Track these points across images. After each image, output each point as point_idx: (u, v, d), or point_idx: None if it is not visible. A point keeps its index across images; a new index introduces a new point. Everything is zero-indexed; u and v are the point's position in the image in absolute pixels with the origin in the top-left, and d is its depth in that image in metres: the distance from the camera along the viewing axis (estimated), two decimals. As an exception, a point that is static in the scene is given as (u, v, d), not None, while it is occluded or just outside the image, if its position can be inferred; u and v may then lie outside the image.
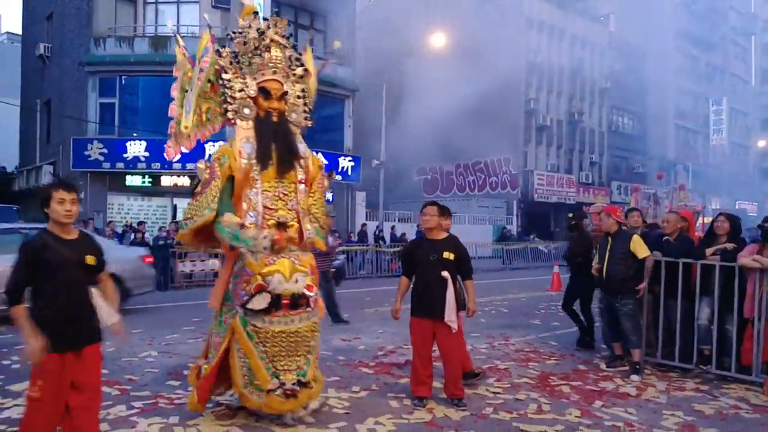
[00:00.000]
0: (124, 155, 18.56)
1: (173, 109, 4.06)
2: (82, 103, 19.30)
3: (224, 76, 3.92)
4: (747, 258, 5.41)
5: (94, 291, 3.20)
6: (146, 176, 19.10)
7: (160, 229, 15.29)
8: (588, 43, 32.90)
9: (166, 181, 19.29)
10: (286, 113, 4.02)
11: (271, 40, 3.92)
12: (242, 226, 3.61)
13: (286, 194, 3.81)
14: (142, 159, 18.54)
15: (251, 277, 3.69)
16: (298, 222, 3.80)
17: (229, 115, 3.92)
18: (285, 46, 4.00)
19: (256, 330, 3.67)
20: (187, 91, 4.02)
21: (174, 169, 18.69)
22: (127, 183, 19.18)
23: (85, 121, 19.04)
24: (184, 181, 19.40)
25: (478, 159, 28.64)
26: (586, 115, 32.50)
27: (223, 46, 3.97)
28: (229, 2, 19.39)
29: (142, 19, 19.79)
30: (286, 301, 3.67)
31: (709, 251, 5.86)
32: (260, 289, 3.63)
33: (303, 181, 3.92)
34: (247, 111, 3.89)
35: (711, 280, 5.71)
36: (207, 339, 3.99)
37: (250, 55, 3.93)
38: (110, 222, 16.64)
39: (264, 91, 3.91)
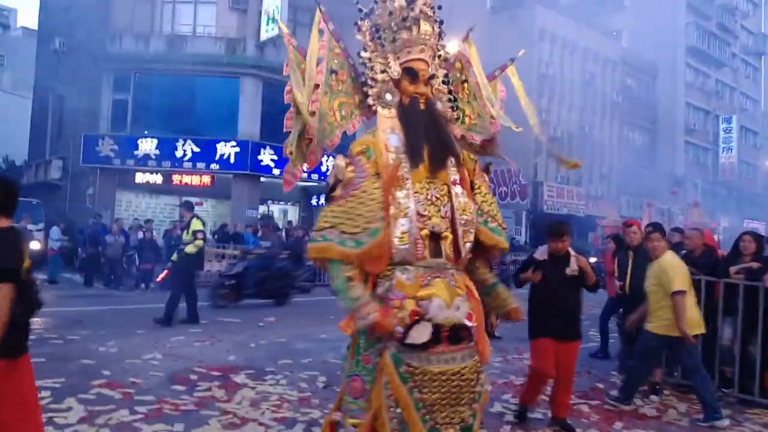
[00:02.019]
0: (135, 152, 18.58)
1: (289, 121, 3.13)
2: (95, 99, 19.34)
3: (363, 54, 3.10)
4: None
5: None
6: (156, 174, 19.07)
7: (172, 229, 15.23)
8: (600, 57, 32.85)
9: (176, 179, 19.28)
10: (432, 100, 3.14)
11: (420, 11, 3.04)
12: (351, 278, 2.77)
13: (438, 198, 2.93)
14: (153, 156, 18.56)
15: (403, 301, 2.78)
16: (453, 233, 2.93)
17: (370, 101, 3.08)
18: (435, 20, 3.11)
19: (411, 371, 2.74)
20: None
21: (184, 167, 18.71)
22: (137, 180, 19.18)
23: (98, 116, 19.07)
24: (194, 179, 19.40)
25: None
26: (596, 128, 32.43)
27: (357, 23, 3.11)
28: (247, 3, 19.42)
29: (159, 17, 19.84)
30: (445, 333, 2.77)
31: (733, 270, 5.73)
32: (417, 317, 2.74)
33: (457, 181, 3.01)
34: (389, 97, 3.06)
35: (734, 300, 5.60)
36: (342, 383, 3.03)
37: (395, 29, 3.05)
38: (117, 219, 16.61)
39: (410, 73, 3.03)
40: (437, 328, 2.75)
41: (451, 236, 2.92)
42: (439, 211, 2.92)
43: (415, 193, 2.88)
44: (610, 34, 36.04)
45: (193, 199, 20.27)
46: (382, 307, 2.76)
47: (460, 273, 2.98)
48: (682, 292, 4.95)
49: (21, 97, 24.49)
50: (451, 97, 3.23)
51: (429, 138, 2.97)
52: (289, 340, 7.81)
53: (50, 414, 4.40)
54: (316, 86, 3.06)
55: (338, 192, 2.88)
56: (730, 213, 39.81)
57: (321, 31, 3.13)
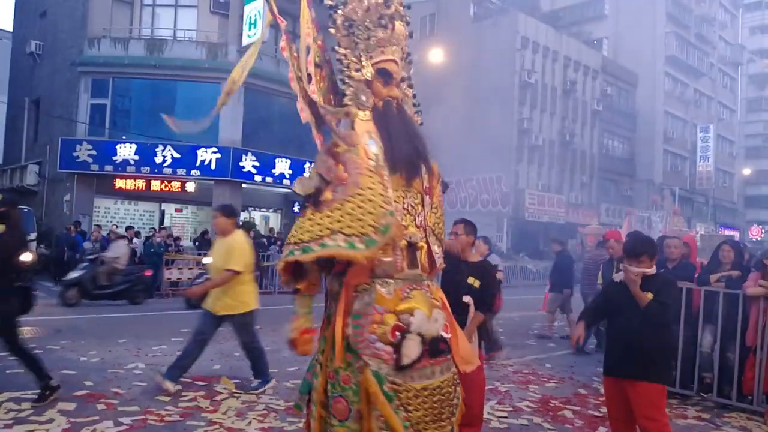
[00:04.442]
0: (114, 158, 18.30)
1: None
2: (72, 104, 19.05)
3: (339, 50, 2.91)
4: (754, 287, 5.37)
5: None
6: (135, 180, 18.81)
7: (153, 235, 15.03)
8: (581, 65, 33.25)
9: (155, 185, 19.03)
10: (402, 104, 3.00)
11: (396, 10, 2.91)
12: (298, 290, 2.76)
13: (413, 207, 2.82)
14: (132, 162, 18.29)
15: (383, 316, 2.63)
16: (427, 243, 2.83)
17: (347, 100, 2.88)
18: (408, 22, 2.98)
19: (395, 388, 2.58)
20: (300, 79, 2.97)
21: (164, 173, 18.47)
22: (115, 186, 18.89)
23: (75, 121, 18.77)
24: (174, 186, 19.17)
25: (469, 176, 28.67)
26: (577, 136, 32.77)
27: (332, 15, 2.94)
28: (228, 8, 19.30)
29: (138, 21, 19.63)
30: (426, 347, 2.63)
31: (713, 278, 5.84)
32: (401, 332, 2.60)
33: (427, 191, 2.91)
34: (364, 98, 2.89)
35: (714, 307, 5.67)
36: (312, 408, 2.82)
37: (369, 26, 2.90)
38: (98, 226, 16.30)
39: (384, 74, 2.87)
40: (423, 341, 2.62)
41: (425, 246, 2.82)
42: (414, 220, 2.81)
43: (394, 202, 2.73)
44: (591, 42, 36.51)
45: (172, 206, 20.27)
46: (310, 328, 2.74)
47: (433, 284, 2.88)
48: (237, 272, 5.32)
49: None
50: (416, 101, 3.13)
51: (409, 145, 2.83)
52: (274, 348, 7.66)
53: (32, 426, 4.29)
54: (309, 77, 2.93)
55: (329, 195, 2.67)
56: (706, 221, 40.42)
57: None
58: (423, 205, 2.87)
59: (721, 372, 5.66)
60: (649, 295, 3.60)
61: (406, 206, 2.79)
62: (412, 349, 2.58)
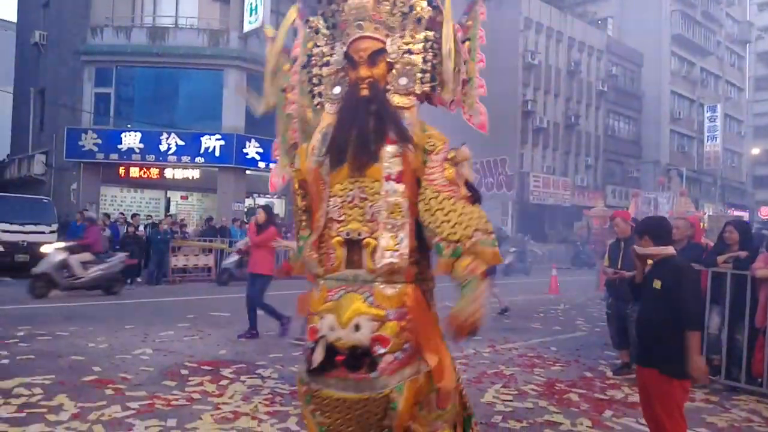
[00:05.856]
0: (119, 146, 18.38)
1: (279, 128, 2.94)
2: (77, 93, 19.11)
3: (315, 50, 2.78)
4: (764, 269, 5.33)
5: None
6: (140, 168, 18.89)
7: (159, 222, 15.08)
8: (586, 46, 32.93)
9: (161, 173, 19.10)
10: (388, 80, 2.59)
11: None
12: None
13: (365, 198, 2.45)
14: (137, 150, 18.37)
15: (311, 317, 2.50)
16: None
17: (315, 100, 2.74)
18: None
19: (310, 392, 2.45)
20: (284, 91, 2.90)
21: (168, 161, 18.53)
22: (121, 174, 18.98)
23: (80, 110, 18.82)
24: (179, 173, 19.24)
25: (473, 159, 28.57)
26: (582, 118, 32.54)
27: (308, 19, 2.85)
28: (229, -6, 19.19)
29: (140, 9, 19.59)
30: (341, 357, 2.35)
31: (720, 259, 5.77)
32: (315, 335, 2.43)
33: (392, 176, 2.44)
34: (337, 90, 2.67)
35: (722, 289, 5.62)
36: None
37: (330, 14, 2.72)
38: (108, 215, 16.39)
39: (347, 58, 2.59)
40: (331, 350, 2.36)
41: (374, 242, 2.42)
42: (365, 213, 2.45)
43: (332, 196, 2.49)
44: (596, 22, 36.12)
45: (178, 194, 20.35)
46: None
47: (390, 286, 2.42)
48: None
49: (1, 92, 24.12)
50: (426, 67, 2.61)
51: (356, 131, 2.48)
52: (278, 332, 7.76)
53: (41, 411, 4.36)
54: (291, 87, 2.83)
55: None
56: (714, 201, 40.18)
57: (299, 29, 2.85)
58: (381, 195, 2.46)
59: (729, 354, 5.60)
60: (658, 283, 3.39)
61: (350, 199, 2.48)
62: (318, 353, 2.38)
